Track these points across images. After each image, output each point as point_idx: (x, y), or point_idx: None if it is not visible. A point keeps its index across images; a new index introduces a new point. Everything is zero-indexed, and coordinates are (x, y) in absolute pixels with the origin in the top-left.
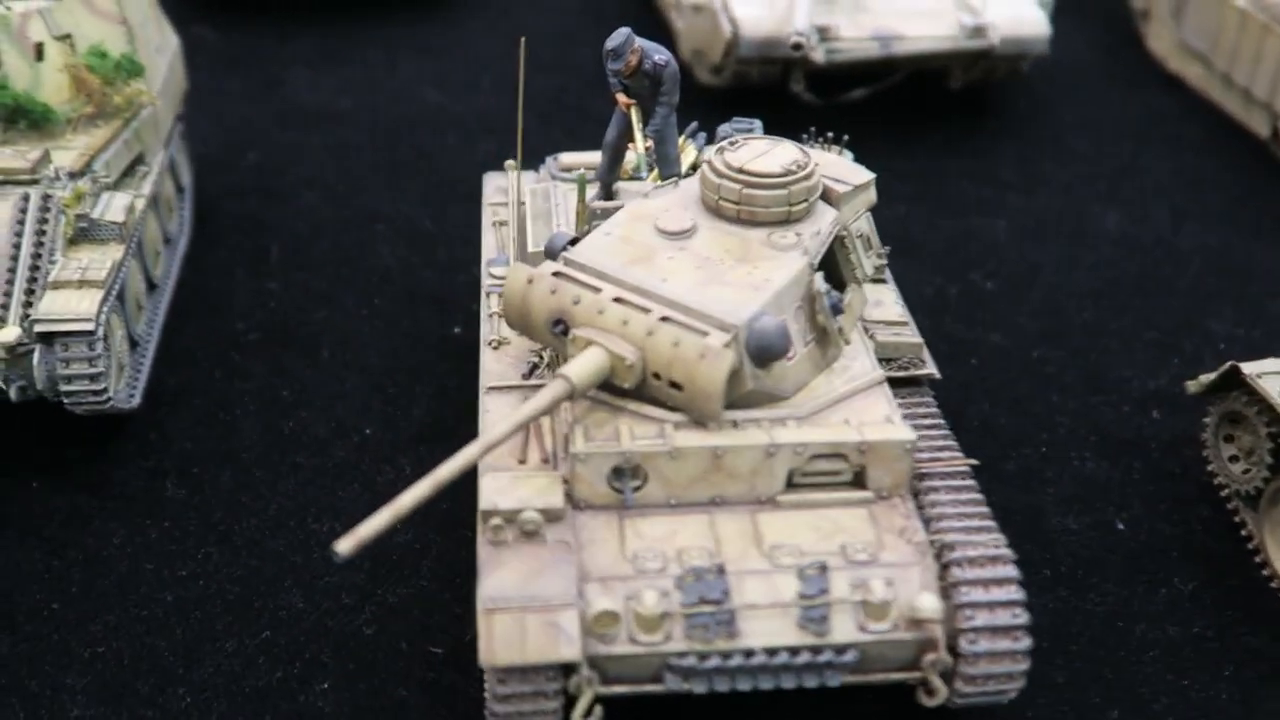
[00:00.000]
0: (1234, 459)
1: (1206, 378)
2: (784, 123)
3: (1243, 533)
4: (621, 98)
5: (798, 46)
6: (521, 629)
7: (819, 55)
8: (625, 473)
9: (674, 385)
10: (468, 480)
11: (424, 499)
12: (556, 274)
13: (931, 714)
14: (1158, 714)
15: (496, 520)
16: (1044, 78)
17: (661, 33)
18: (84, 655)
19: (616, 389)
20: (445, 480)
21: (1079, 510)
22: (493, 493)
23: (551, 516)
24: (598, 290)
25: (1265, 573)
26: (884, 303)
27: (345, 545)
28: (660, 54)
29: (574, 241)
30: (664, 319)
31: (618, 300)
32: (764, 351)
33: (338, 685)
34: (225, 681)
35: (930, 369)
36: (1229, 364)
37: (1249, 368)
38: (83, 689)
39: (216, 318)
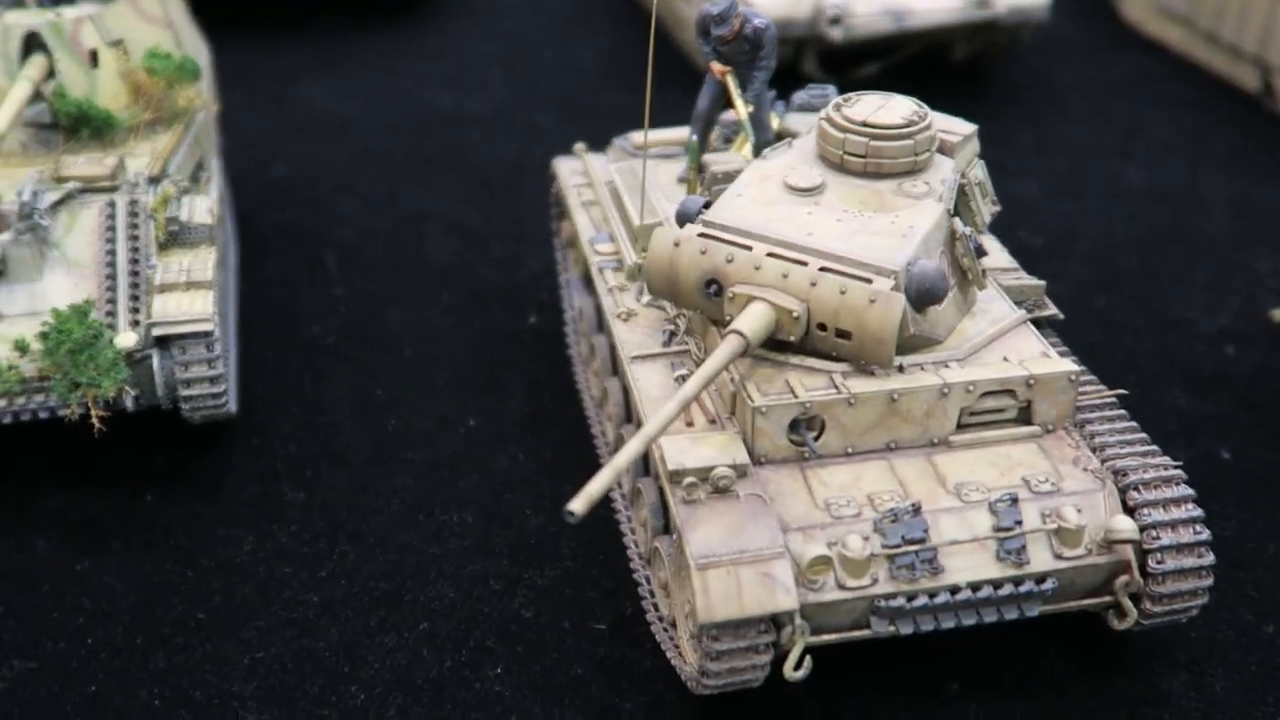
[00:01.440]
0: None
1: None
2: None
3: None
4: (716, 65)
5: (836, 20)
6: (737, 583)
7: (836, 33)
8: (802, 424)
9: (841, 334)
10: (591, 464)
11: (637, 455)
12: (702, 235)
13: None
14: None
15: (690, 479)
16: (1034, 48)
17: (642, 28)
18: (244, 662)
19: (774, 345)
20: (653, 436)
21: (1183, 444)
22: (677, 454)
23: (739, 472)
24: (749, 248)
25: None
26: (991, 251)
27: (579, 505)
28: (759, 18)
29: (707, 206)
30: (824, 269)
31: (772, 255)
32: (927, 294)
33: (510, 669)
34: (394, 676)
35: (1053, 309)
36: None
37: None
38: (251, 694)
39: (289, 326)
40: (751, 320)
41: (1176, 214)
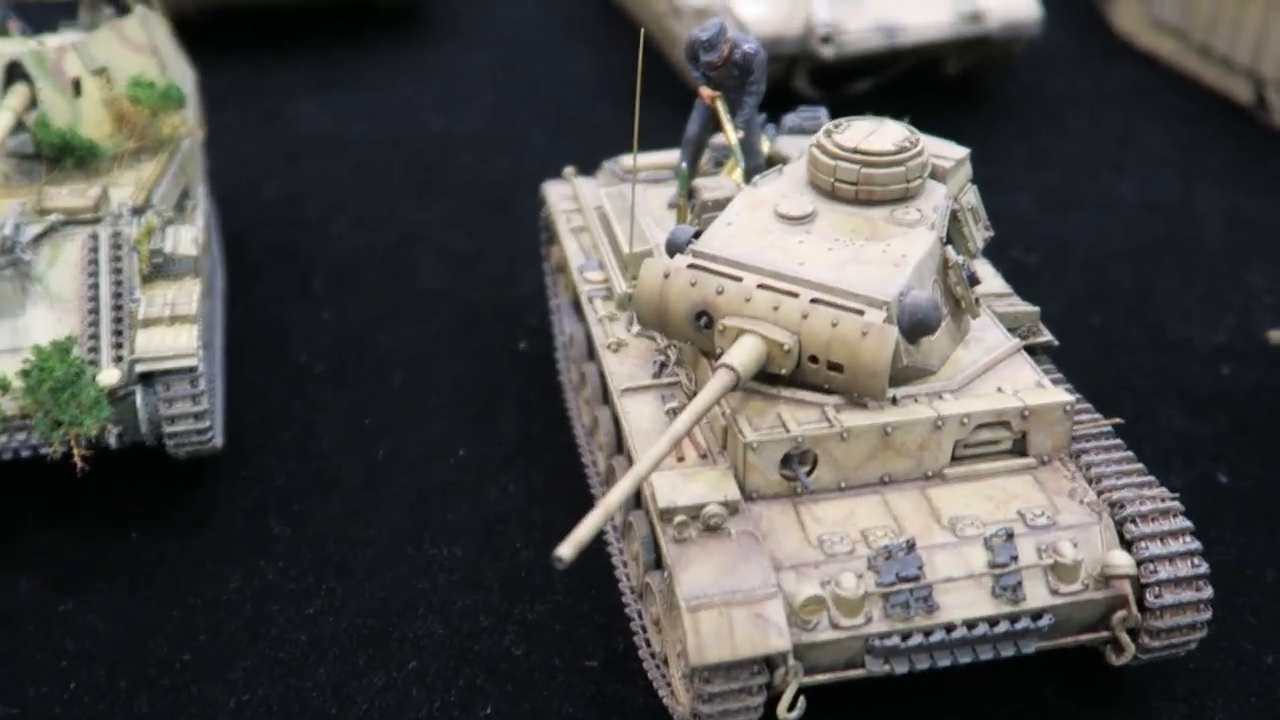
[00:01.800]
0: None
1: None
2: None
3: None
4: (705, 90)
5: (827, 39)
6: (729, 624)
7: (827, 50)
8: (794, 459)
9: (833, 367)
10: (582, 494)
11: (628, 495)
12: (692, 266)
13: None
14: None
15: (681, 517)
16: (1026, 61)
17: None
18: (230, 705)
19: (764, 377)
20: (644, 474)
21: (1180, 466)
22: (668, 490)
23: (731, 509)
24: (739, 279)
25: None
26: (984, 276)
27: (567, 550)
28: (749, 43)
29: (697, 235)
30: (815, 301)
31: (762, 287)
32: (919, 325)
33: (501, 709)
34: (383, 717)
35: (1048, 336)
36: None
37: None
38: None
39: (278, 352)
40: (742, 354)
41: (1170, 227)
